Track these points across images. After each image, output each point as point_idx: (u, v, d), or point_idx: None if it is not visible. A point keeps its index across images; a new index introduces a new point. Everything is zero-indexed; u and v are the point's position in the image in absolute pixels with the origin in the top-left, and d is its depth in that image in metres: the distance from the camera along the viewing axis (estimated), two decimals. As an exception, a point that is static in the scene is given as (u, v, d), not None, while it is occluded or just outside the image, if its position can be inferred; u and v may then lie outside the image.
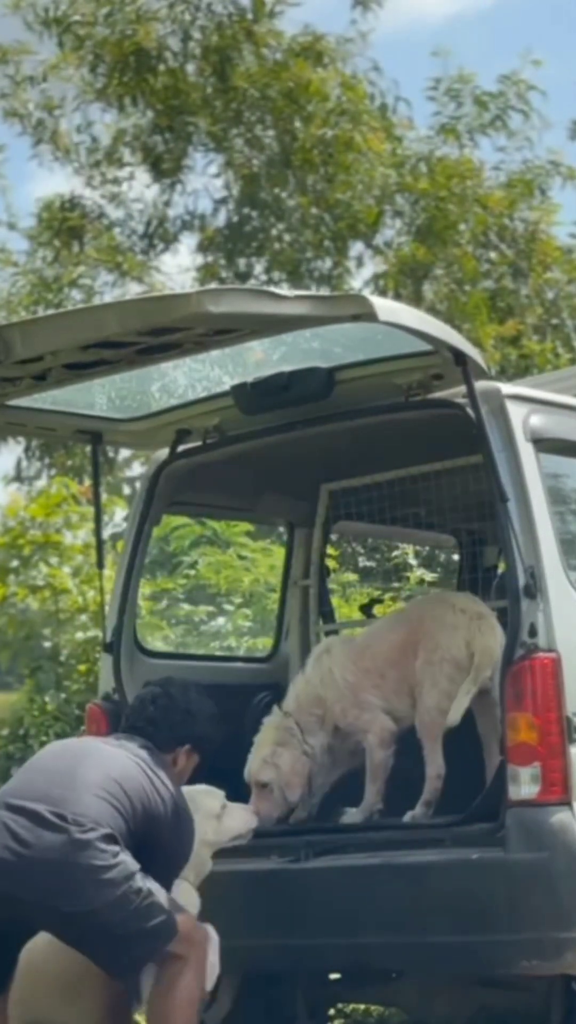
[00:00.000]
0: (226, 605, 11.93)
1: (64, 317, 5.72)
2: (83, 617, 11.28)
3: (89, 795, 5.10)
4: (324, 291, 15.48)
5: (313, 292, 5.46)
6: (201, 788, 5.77)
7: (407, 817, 5.88)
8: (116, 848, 5.04)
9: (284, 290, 5.33)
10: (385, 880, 5.64)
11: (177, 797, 5.35)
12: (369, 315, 5.15)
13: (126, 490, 13.93)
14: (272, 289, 5.38)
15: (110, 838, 5.04)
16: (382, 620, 6.70)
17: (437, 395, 6.02)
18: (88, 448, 6.79)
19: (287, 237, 16.22)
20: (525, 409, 5.71)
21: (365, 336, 5.97)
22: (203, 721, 5.63)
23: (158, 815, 5.24)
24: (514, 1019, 6.28)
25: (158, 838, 5.24)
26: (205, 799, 5.73)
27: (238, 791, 6.05)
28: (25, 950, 5.35)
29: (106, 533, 11.25)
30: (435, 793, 5.96)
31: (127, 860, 5.06)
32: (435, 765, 5.97)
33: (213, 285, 15.42)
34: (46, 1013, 5.54)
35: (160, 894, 5.13)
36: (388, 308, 5.30)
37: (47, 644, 11.22)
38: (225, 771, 6.23)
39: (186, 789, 5.58)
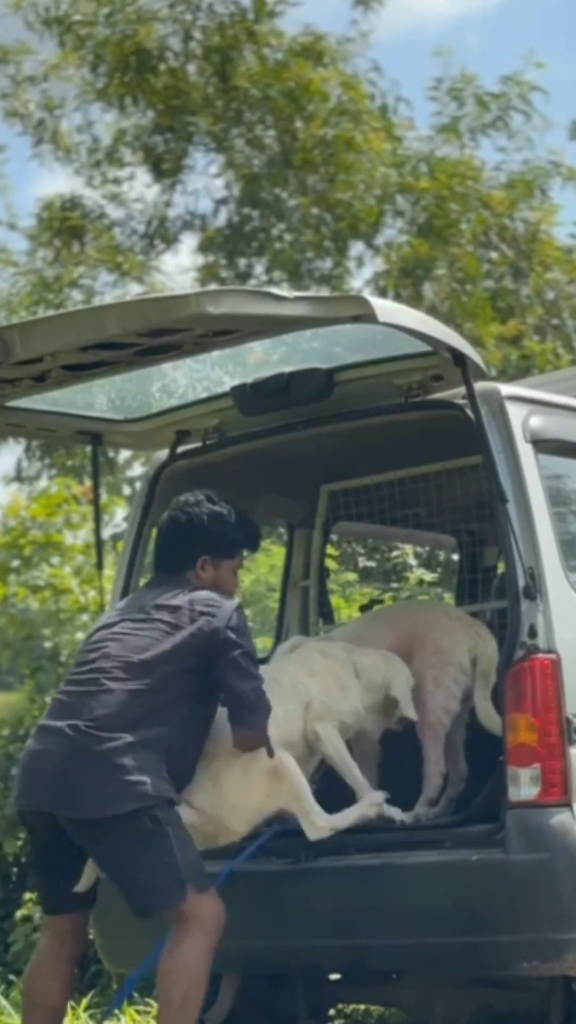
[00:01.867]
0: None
1: (63, 318, 5.72)
2: (84, 617, 11.27)
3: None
4: (324, 291, 15.50)
5: (313, 293, 5.47)
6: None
7: (409, 816, 5.89)
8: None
9: (284, 291, 5.32)
10: (385, 881, 5.63)
11: (202, 597, 5.53)
12: (369, 316, 5.16)
13: (126, 490, 13.92)
14: (272, 290, 5.38)
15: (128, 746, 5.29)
16: (357, 622, 6.70)
17: (437, 396, 6.02)
18: (88, 448, 6.79)
19: (288, 237, 16.22)
20: (525, 410, 5.71)
21: (365, 337, 5.98)
22: (206, 530, 5.68)
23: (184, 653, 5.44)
24: (514, 1019, 6.28)
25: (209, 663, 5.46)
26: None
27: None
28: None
29: (106, 533, 11.27)
30: (437, 791, 5.98)
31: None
32: (438, 764, 6.00)
33: (213, 285, 15.44)
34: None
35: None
36: (388, 309, 5.30)
37: (48, 644, 11.21)
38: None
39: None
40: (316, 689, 5.88)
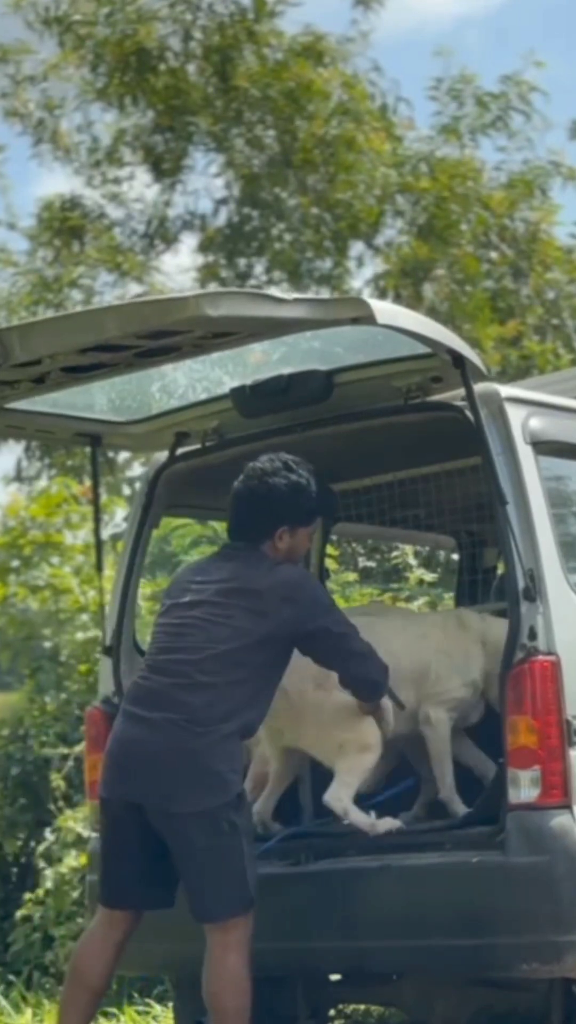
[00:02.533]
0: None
1: (62, 320, 5.71)
2: (84, 617, 11.27)
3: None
4: (324, 291, 15.50)
5: (312, 295, 5.46)
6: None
7: (405, 818, 5.91)
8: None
9: (283, 293, 5.32)
10: (385, 883, 5.64)
11: (282, 581, 5.56)
12: (368, 318, 5.16)
13: (126, 491, 13.92)
14: (271, 292, 5.38)
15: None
16: None
17: (436, 398, 6.02)
18: (88, 449, 6.79)
19: (287, 237, 16.22)
20: (524, 411, 5.71)
21: (365, 338, 5.98)
22: (286, 501, 5.67)
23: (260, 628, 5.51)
24: (514, 1020, 6.29)
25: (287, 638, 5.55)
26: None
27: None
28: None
29: (106, 533, 11.26)
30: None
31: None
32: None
33: (213, 285, 15.44)
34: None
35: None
36: (387, 311, 5.30)
37: (47, 644, 11.21)
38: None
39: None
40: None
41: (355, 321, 5.22)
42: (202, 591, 5.61)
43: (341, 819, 5.79)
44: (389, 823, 5.72)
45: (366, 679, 5.65)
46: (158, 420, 6.49)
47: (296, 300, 5.20)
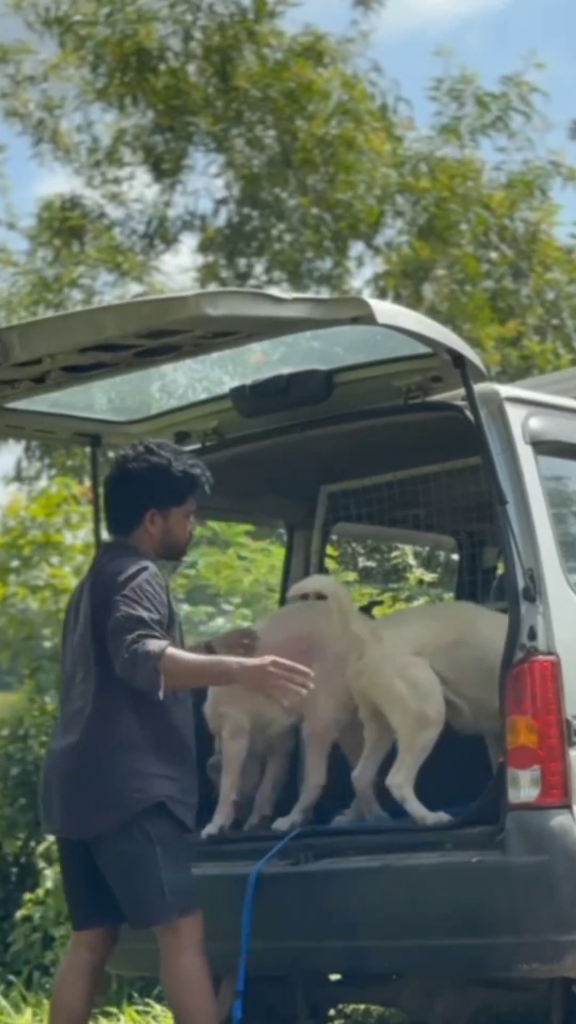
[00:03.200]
0: (225, 605, 11.92)
1: (62, 320, 5.71)
2: (83, 617, 11.25)
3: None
4: (324, 291, 15.50)
5: (312, 295, 5.47)
6: None
7: (285, 823, 5.98)
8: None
9: (283, 292, 5.32)
10: (385, 883, 5.63)
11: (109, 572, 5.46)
12: (367, 317, 5.16)
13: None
14: (270, 292, 5.38)
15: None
16: (270, 620, 6.66)
17: (436, 397, 6.02)
18: (88, 448, 6.79)
19: (287, 237, 16.23)
20: (524, 411, 5.71)
21: (365, 338, 5.97)
22: (142, 483, 5.57)
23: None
24: (514, 1020, 6.29)
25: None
26: None
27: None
28: None
29: (105, 533, 11.24)
30: (313, 801, 6.06)
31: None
32: (318, 775, 6.05)
33: (213, 286, 15.44)
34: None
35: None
36: (386, 311, 5.30)
37: (47, 644, 11.21)
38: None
39: None
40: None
41: (355, 321, 5.22)
42: (79, 604, 5.63)
43: (400, 803, 5.78)
44: (439, 817, 5.70)
45: (118, 655, 5.37)
46: (158, 420, 6.49)
47: (296, 300, 5.20)
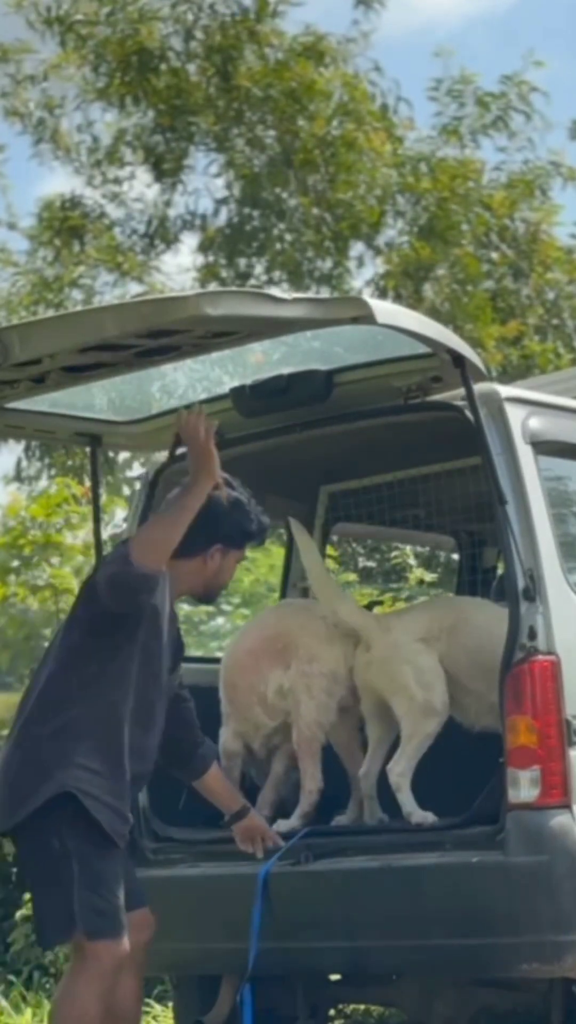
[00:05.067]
0: (225, 605, 11.94)
1: (62, 320, 5.70)
2: (83, 617, 11.25)
3: None
4: (325, 291, 15.50)
5: (312, 294, 5.47)
6: None
7: (285, 826, 5.95)
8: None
9: (283, 292, 5.31)
10: (385, 883, 5.63)
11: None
12: (367, 317, 5.15)
13: (126, 491, 13.92)
14: (270, 291, 5.37)
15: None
16: (253, 619, 6.68)
17: (436, 397, 6.02)
18: (88, 449, 6.78)
19: (288, 237, 16.22)
20: (524, 411, 5.70)
21: (365, 338, 5.97)
22: (225, 517, 5.46)
23: None
24: (514, 1020, 6.28)
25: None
26: None
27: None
28: None
29: (106, 533, 11.24)
30: (312, 805, 6.03)
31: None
32: (314, 779, 6.02)
33: (213, 285, 15.44)
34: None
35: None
36: (386, 310, 5.30)
37: (47, 644, 11.20)
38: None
39: None
40: None
41: (355, 320, 5.22)
42: None
43: (394, 791, 5.79)
44: (424, 816, 5.70)
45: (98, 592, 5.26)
46: (158, 420, 6.48)
47: (296, 300, 5.19)
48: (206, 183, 16.78)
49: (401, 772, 5.78)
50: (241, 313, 5.10)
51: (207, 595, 5.68)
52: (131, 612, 5.22)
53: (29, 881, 5.27)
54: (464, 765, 5.77)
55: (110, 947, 5.11)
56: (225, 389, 6.29)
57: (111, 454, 13.72)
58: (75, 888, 5.07)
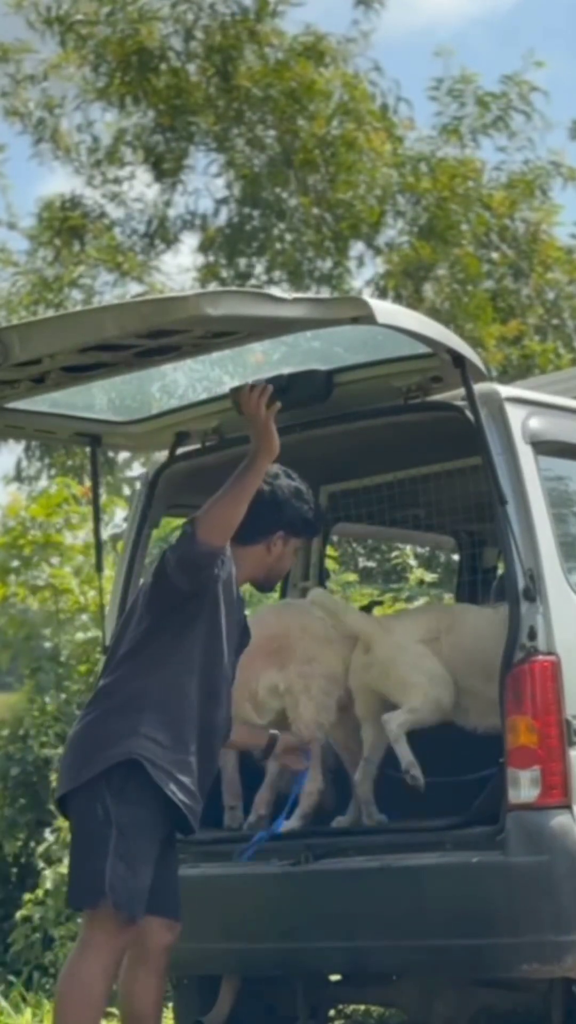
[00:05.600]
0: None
1: (62, 320, 5.70)
2: (84, 617, 11.26)
3: None
4: (325, 291, 15.49)
5: (312, 294, 5.47)
6: None
7: (285, 827, 5.96)
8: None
9: (283, 292, 5.31)
10: (385, 883, 5.64)
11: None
12: (367, 317, 5.15)
13: (126, 490, 13.92)
14: (270, 291, 5.37)
15: None
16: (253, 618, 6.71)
17: (436, 397, 6.02)
18: (88, 449, 6.79)
19: (288, 237, 16.22)
20: (524, 411, 5.71)
21: (365, 338, 5.97)
22: (289, 505, 5.55)
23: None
24: (515, 1020, 6.28)
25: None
26: None
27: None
28: None
29: (106, 533, 11.26)
30: (312, 806, 6.07)
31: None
32: (314, 779, 6.06)
33: (213, 285, 15.44)
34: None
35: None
36: (386, 310, 5.30)
37: (47, 644, 11.19)
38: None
39: None
40: None
41: (355, 320, 5.22)
42: None
43: (391, 743, 5.86)
44: (417, 773, 5.78)
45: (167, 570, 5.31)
46: (158, 420, 6.49)
47: (296, 299, 5.19)
48: (206, 183, 16.79)
49: (401, 723, 5.82)
50: (241, 313, 5.10)
51: (268, 581, 5.72)
52: (198, 590, 5.30)
53: (73, 845, 5.32)
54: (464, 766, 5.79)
55: (125, 923, 5.17)
56: (225, 389, 6.29)
57: (111, 454, 13.72)
58: (110, 857, 5.12)
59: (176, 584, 5.28)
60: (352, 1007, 7.48)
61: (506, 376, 14.07)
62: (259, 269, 16.52)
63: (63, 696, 10.68)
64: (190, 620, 5.33)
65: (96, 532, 6.70)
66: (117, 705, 5.27)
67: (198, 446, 6.52)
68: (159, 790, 5.17)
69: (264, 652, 6.10)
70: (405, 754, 5.77)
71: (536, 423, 5.70)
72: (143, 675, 5.28)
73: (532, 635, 5.42)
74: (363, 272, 16.66)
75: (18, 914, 9.59)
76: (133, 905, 5.16)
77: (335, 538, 8.27)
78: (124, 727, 5.22)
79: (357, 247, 16.50)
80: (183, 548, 5.25)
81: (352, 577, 10.39)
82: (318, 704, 6.03)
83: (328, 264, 16.33)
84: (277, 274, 16.29)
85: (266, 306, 5.14)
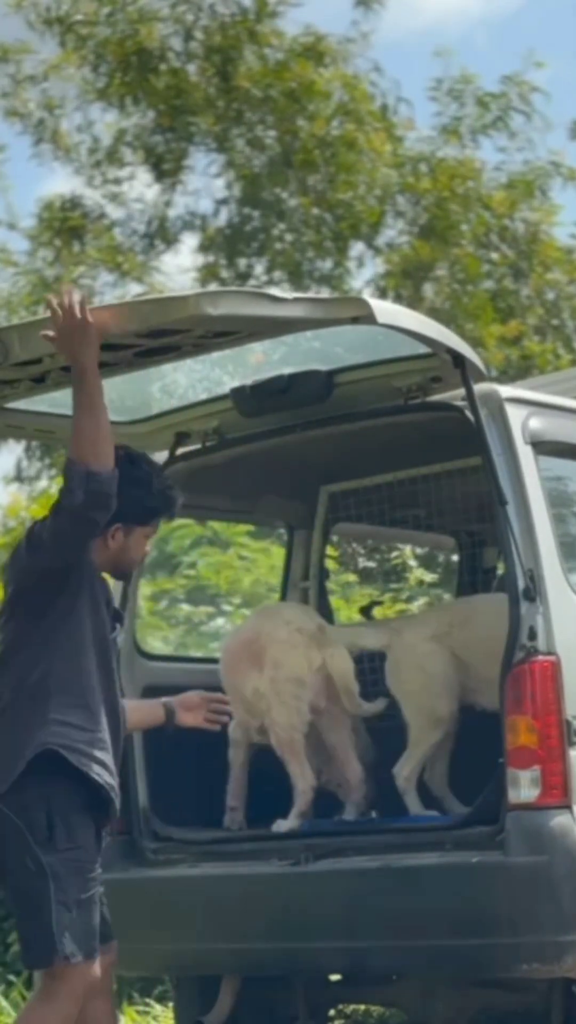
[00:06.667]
0: (225, 606, 11.94)
1: None
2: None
3: None
4: (325, 291, 15.50)
5: (312, 294, 5.47)
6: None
7: (284, 826, 6.00)
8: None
9: (283, 292, 5.30)
10: (385, 883, 5.63)
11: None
12: (367, 317, 5.15)
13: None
14: (270, 291, 5.37)
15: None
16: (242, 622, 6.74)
17: (436, 398, 6.02)
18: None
19: (288, 237, 16.23)
20: (524, 412, 5.70)
21: (365, 338, 5.97)
22: (122, 495, 5.05)
23: None
24: (514, 1020, 6.28)
25: None
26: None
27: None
28: None
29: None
30: (307, 804, 6.08)
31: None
32: (303, 778, 6.09)
33: (214, 285, 15.43)
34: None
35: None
36: (387, 310, 5.30)
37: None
38: (227, 772, 6.27)
39: None
40: None
41: (355, 320, 5.21)
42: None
43: (401, 794, 5.94)
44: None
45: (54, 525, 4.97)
46: (158, 420, 6.48)
47: (296, 299, 5.18)
48: (206, 183, 16.81)
49: (408, 776, 5.94)
50: (241, 313, 5.09)
51: (116, 573, 5.41)
52: (95, 532, 4.98)
53: (13, 903, 5.02)
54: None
55: (89, 970, 4.96)
56: (225, 389, 6.29)
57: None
58: (53, 910, 4.85)
59: (72, 539, 4.94)
60: (352, 1007, 7.47)
61: (506, 376, 14.08)
62: (259, 269, 16.54)
63: (63, 696, 10.65)
64: (73, 596, 5.05)
65: (96, 532, 6.69)
66: (24, 697, 4.97)
67: (198, 446, 6.52)
68: (83, 775, 4.93)
69: (245, 657, 6.20)
70: (413, 804, 5.94)
71: (536, 423, 5.70)
72: (42, 661, 4.99)
73: (532, 635, 5.42)
74: (363, 272, 16.69)
75: (18, 914, 9.57)
76: (88, 946, 4.92)
77: (335, 538, 8.26)
78: (35, 718, 4.95)
79: (357, 247, 16.52)
80: (85, 489, 4.84)
81: (352, 577, 10.39)
82: (289, 708, 6.08)
83: (328, 264, 16.35)
84: (277, 274, 16.30)
85: (266, 306, 5.13)
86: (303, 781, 6.07)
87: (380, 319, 5.17)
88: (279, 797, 6.17)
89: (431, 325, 5.57)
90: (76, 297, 4.88)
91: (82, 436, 4.92)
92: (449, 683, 6.01)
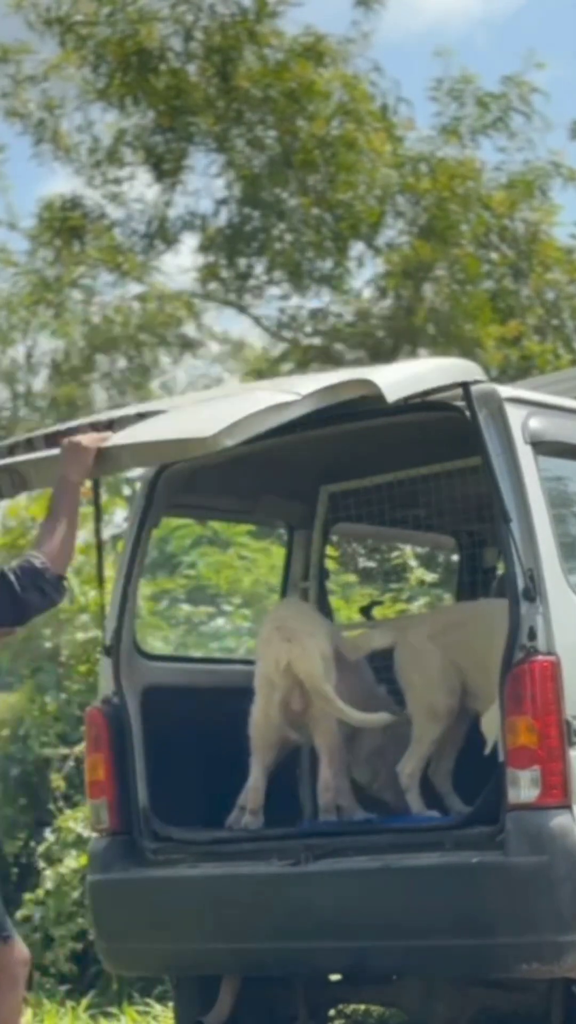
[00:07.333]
0: (225, 606, 11.94)
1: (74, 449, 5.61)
2: (84, 617, 11.26)
3: None
4: (325, 291, 15.49)
5: (318, 383, 5.58)
6: None
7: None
8: None
9: (290, 392, 5.38)
10: (385, 883, 5.63)
11: None
12: (377, 398, 5.29)
13: (126, 490, 13.92)
14: (279, 398, 5.38)
15: None
16: None
17: (436, 398, 6.01)
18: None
19: (288, 237, 16.23)
20: (524, 412, 5.70)
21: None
22: None
23: None
24: (515, 1020, 6.28)
25: None
26: None
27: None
28: None
29: (106, 533, 11.26)
30: (258, 804, 6.15)
31: None
32: (257, 777, 6.16)
33: (214, 286, 15.39)
34: None
35: None
36: (394, 385, 5.39)
37: (47, 644, 11.20)
38: (227, 772, 6.27)
39: None
40: None
41: (365, 400, 5.32)
42: None
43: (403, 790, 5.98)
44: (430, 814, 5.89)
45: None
46: (158, 420, 6.49)
47: (306, 396, 5.34)
48: (206, 183, 16.81)
49: (411, 773, 5.98)
50: (257, 431, 5.18)
51: None
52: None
53: None
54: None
55: (17, 949, 5.18)
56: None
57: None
58: None
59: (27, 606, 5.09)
60: (352, 1007, 7.47)
61: (505, 376, 14.07)
62: (259, 269, 16.54)
63: (63, 696, 10.68)
64: None
65: (97, 531, 6.70)
66: None
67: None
68: None
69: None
70: (415, 802, 5.98)
71: (536, 423, 5.70)
72: None
73: (532, 635, 5.42)
74: (363, 272, 16.69)
75: (18, 914, 9.59)
76: (5, 929, 5.06)
77: (335, 538, 8.25)
78: None
79: (357, 247, 16.52)
80: (48, 597, 5.08)
81: (352, 577, 10.39)
82: (258, 705, 6.15)
83: (328, 264, 16.34)
84: (277, 274, 16.30)
85: (279, 415, 5.23)
86: (251, 779, 6.14)
87: (390, 399, 5.34)
88: (279, 797, 6.19)
89: (437, 369, 5.67)
90: (91, 440, 5.06)
91: (66, 547, 5.17)
92: (448, 680, 6.02)
